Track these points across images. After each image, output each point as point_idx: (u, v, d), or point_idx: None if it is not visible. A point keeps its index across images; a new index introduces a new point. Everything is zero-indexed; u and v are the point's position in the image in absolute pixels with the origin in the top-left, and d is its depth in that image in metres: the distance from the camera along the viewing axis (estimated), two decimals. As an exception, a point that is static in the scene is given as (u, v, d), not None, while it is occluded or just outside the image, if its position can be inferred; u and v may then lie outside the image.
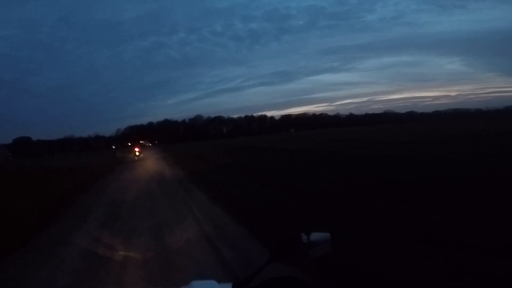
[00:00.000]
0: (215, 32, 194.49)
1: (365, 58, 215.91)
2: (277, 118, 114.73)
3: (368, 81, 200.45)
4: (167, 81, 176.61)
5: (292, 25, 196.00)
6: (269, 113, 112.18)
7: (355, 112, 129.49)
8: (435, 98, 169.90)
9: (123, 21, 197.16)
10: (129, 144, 62.36)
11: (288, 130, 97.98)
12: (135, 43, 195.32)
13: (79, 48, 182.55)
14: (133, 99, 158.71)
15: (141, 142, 58.08)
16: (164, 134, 79.77)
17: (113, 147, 75.35)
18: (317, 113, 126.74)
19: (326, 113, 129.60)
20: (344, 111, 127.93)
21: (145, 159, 22.15)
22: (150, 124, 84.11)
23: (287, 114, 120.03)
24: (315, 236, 0.68)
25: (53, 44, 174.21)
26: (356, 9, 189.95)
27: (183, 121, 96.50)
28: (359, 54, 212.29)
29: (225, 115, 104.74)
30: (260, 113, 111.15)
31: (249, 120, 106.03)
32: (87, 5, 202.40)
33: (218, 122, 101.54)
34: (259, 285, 0.65)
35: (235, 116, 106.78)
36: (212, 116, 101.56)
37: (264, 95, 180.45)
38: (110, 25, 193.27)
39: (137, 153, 19.96)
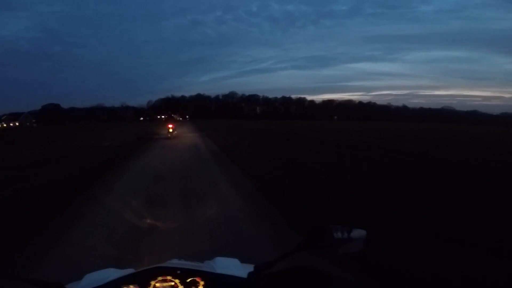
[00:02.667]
0: (250, 12, 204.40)
1: (411, 50, 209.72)
2: (317, 102, 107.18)
3: (411, 73, 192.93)
4: (201, 58, 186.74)
5: (333, 10, 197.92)
6: (301, 97, 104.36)
7: (394, 103, 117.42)
8: (485, 98, 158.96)
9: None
10: (159, 117, 60.84)
11: (330, 117, 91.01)
12: (173, 20, 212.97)
13: (121, 24, 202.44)
14: (168, 74, 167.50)
15: (172, 115, 56.48)
16: (196, 109, 77.87)
17: (141, 118, 75.38)
18: (363, 101, 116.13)
19: (373, 102, 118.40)
20: (381, 102, 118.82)
21: (180, 138, 19.02)
22: (183, 97, 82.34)
23: (329, 99, 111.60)
24: (349, 232, 0.70)
25: (97, 20, 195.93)
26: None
27: (216, 97, 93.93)
28: (405, 45, 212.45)
29: (261, 94, 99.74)
30: (298, 96, 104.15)
31: (286, 102, 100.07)
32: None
33: (252, 100, 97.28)
34: (281, 271, 0.70)
35: (270, 96, 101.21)
36: (247, 94, 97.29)
37: (295, 78, 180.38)
38: (151, 2, 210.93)
39: (171, 130, 17.66)
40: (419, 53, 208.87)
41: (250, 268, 0.73)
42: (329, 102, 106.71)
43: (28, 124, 65.76)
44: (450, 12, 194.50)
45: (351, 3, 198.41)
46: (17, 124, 65.66)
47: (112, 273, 0.76)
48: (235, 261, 0.83)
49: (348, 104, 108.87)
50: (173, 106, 62.26)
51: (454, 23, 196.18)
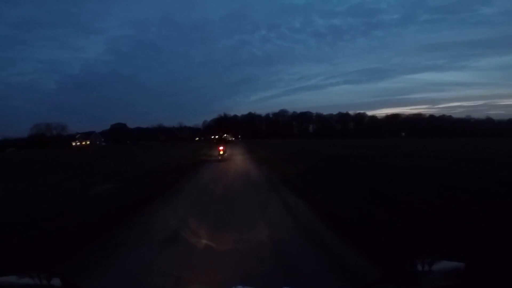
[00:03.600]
0: (293, 28, 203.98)
1: (480, 56, 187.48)
2: (379, 117, 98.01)
3: (484, 82, 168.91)
4: (250, 78, 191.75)
5: (384, 20, 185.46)
6: (360, 112, 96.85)
7: (466, 117, 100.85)
8: None
9: (212, 20, 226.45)
10: (212, 137, 62.67)
11: (396, 133, 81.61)
12: (223, 41, 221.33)
13: (179, 46, 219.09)
14: (220, 94, 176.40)
15: (224, 135, 57.41)
16: (247, 129, 78.48)
17: (196, 138, 79.10)
18: (435, 115, 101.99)
19: (447, 115, 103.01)
20: (452, 115, 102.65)
21: (231, 161, 17.44)
22: (235, 116, 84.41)
23: (393, 113, 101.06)
24: (441, 264, 0.66)
25: (158, 43, 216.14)
26: (467, 2, 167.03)
27: (267, 115, 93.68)
28: (473, 51, 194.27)
29: (313, 111, 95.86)
30: (355, 111, 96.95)
31: (343, 118, 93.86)
32: (183, 4, 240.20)
33: (304, 118, 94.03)
34: None
35: (323, 113, 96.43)
36: (298, 112, 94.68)
37: (348, 94, 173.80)
38: (203, 23, 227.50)
39: (221, 152, 17.10)
40: (492, 59, 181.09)
41: None
42: (394, 116, 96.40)
43: (98, 143, 74.57)
44: None
45: (402, 11, 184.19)
46: (88, 142, 74.85)
47: None
48: None
49: (416, 118, 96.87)
50: (226, 125, 63.54)
51: None
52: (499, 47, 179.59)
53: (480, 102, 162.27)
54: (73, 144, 69.11)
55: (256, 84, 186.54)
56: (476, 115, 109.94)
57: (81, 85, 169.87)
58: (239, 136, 71.62)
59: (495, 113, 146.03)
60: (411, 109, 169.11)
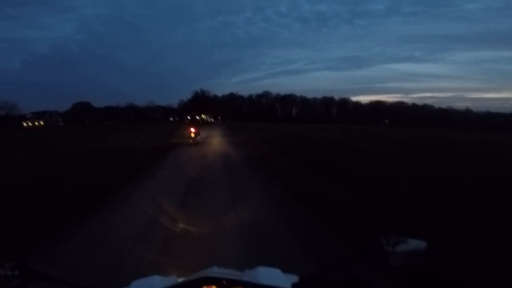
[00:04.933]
0: (279, 12, 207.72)
1: (456, 50, 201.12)
2: (364, 103, 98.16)
3: (457, 75, 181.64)
4: (232, 60, 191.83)
5: (368, 9, 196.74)
6: (345, 97, 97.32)
7: (447, 107, 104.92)
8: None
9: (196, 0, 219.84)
10: (189, 118, 57.94)
11: (379, 121, 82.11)
12: (206, 22, 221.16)
13: (157, 26, 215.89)
14: (201, 75, 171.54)
15: (202, 116, 53.29)
16: (228, 110, 74.79)
17: (171, 119, 73.75)
18: (418, 104, 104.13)
19: (429, 105, 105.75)
20: (422, 105, 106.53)
21: (206, 146, 14.83)
22: (215, 97, 79.47)
23: (377, 100, 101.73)
24: (405, 243, 0.70)
25: (136, 22, 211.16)
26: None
27: (250, 97, 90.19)
28: (450, 45, 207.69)
29: (297, 94, 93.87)
30: (339, 96, 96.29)
31: (327, 103, 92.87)
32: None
33: (288, 101, 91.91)
34: (328, 283, 0.70)
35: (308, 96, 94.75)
36: (282, 94, 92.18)
37: (328, 80, 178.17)
38: (184, 3, 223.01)
39: (192, 135, 14.88)
40: (466, 54, 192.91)
41: (293, 278, 0.75)
42: (377, 104, 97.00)
43: (54, 123, 67.18)
44: (500, 10, 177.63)
45: (387, 2, 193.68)
46: (42, 123, 67.29)
47: (157, 281, 0.79)
48: (277, 271, 0.83)
49: (399, 106, 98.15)
50: (203, 104, 58.47)
51: (505, 21, 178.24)
52: (475, 42, 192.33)
53: (450, 94, 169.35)
54: (24, 124, 61.47)
55: (238, 66, 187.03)
56: (445, 105, 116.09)
57: (49, 65, 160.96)
58: (219, 118, 68.21)
59: (463, 105, 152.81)
60: (386, 97, 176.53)
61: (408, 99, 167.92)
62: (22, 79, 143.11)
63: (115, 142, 16.15)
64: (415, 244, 0.70)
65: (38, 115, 70.10)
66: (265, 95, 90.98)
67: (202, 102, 58.01)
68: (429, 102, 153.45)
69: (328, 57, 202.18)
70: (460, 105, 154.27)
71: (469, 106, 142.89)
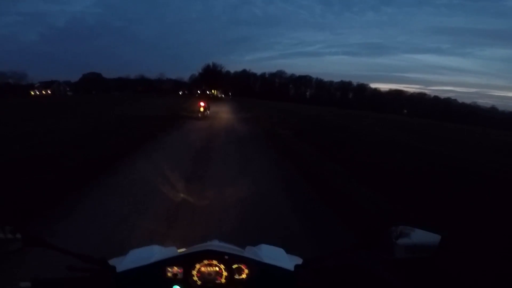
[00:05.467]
0: None
1: (488, 46, 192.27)
2: (383, 91, 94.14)
3: (483, 71, 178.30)
4: (247, 37, 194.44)
5: None
6: (363, 83, 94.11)
7: (471, 103, 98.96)
8: None
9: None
10: (199, 92, 56.48)
11: (397, 110, 78.76)
12: None
13: (174, 0, 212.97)
14: (215, 51, 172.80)
15: (212, 91, 51.41)
16: (240, 87, 72.56)
17: (180, 92, 72.22)
18: (440, 97, 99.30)
19: (453, 98, 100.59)
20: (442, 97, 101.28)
21: (214, 121, 13.82)
22: (227, 73, 76.81)
23: (397, 89, 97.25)
24: (417, 235, 0.67)
25: None
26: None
27: (262, 75, 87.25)
28: (482, 40, 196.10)
29: (314, 76, 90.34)
30: (357, 81, 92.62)
31: (344, 87, 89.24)
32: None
33: (302, 82, 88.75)
34: (329, 267, 0.70)
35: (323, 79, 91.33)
36: (297, 74, 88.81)
37: (345, 65, 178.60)
38: None
39: (201, 109, 14.44)
40: (498, 50, 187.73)
41: (296, 259, 0.75)
42: (397, 92, 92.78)
43: (62, 92, 66.70)
44: None
45: None
46: (49, 92, 66.82)
47: (156, 251, 0.77)
48: (281, 251, 0.82)
49: (420, 97, 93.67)
50: (214, 78, 56.23)
51: None
52: (508, 39, 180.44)
53: (472, 90, 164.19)
54: (32, 93, 61.44)
55: (253, 44, 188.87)
56: (466, 100, 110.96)
57: (65, 37, 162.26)
58: (230, 94, 66.40)
59: (483, 102, 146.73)
60: (404, 87, 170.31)
61: (427, 91, 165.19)
62: (38, 51, 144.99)
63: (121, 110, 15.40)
64: (428, 237, 0.66)
65: (45, 85, 69.79)
66: (279, 74, 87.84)
67: (213, 76, 55.57)
68: (448, 96, 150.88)
69: (348, 42, 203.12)
70: (481, 101, 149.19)
71: (492, 103, 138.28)
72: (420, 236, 0.67)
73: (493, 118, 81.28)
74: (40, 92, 64.99)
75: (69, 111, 15.46)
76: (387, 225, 0.68)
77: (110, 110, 16.22)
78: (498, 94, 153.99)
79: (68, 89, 71.69)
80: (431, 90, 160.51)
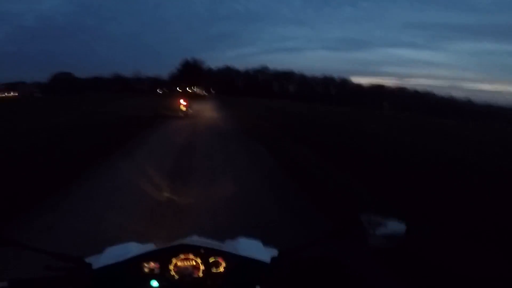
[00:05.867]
0: None
1: (458, 39, 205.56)
2: (364, 86, 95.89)
3: (456, 64, 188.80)
4: (228, 33, 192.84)
5: None
6: (345, 78, 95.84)
7: (447, 96, 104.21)
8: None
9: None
10: (178, 89, 54.17)
11: (378, 104, 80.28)
12: None
13: None
14: (195, 48, 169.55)
15: (193, 88, 49.18)
16: (223, 84, 70.74)
17: (158, 90, 69.13)
18: (419, 91, 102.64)
19: (431, 93, 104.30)
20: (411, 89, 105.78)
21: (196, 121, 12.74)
22: (209, 69, 74.63)
23: (378, 84, 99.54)
24: (386, 224, 0.69)
25: None
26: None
27: (246, 71, 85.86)
28: (452, 34, 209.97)
29: (296, 71, 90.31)
30: (339, 76, 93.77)
31: (327, 82, 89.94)
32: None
33: (286, 77, 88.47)
34: (304, 259, 0.71)
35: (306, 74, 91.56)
36: (280, 70, 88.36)
37: (324, 59, 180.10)
38: None
39: (183, 108, 13.77)
40: (468, 44, 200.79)
41: (273, 252, 0.75)
42: (379, 87, 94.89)
43: (29, 94, 61.69)
44: (510, 3, 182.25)
45: None
46: (16, 94, 61.59)
47: (133, 248, 0.77)
48: (258, 244, 0.83)
49: (400, 91, 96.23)
50: (195, 75, 53.84)
51: None
52: (479, 33, 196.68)
53: (446, 83, 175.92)
54: None
55: (234, 40, 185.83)
56: (439, 93, 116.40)
57: (34, 37, 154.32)
58: (212, 91, 64.65)
59: (457, 95, 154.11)
60: (380, 80, 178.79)
61: (401, 83, 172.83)
62: (4, 51, 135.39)
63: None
64: (395, 226, 0.68)
65: (10, 86, 64.40)
66: (263, 70, 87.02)
67: (193, 72, 53.06)
68: (422, 89, 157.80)
69: (327, 37, 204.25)
70: (454, 94, 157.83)
71: (464, 96, 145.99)
72: (389, 225, 0.67)
73: (467, 111, 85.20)
74: (4, 93, 59.90)
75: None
76: (356, 213, 0.69)
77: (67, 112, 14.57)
78: (470, 86, 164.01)
79: (36, 90, 66.58)
80: (405, 82, 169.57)
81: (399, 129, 14.42)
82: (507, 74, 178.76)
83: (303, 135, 9.19)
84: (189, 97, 17.63)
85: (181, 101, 14.00)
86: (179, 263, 0.68)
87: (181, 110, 13.61)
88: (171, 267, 0.68)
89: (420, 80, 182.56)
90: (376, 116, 25.12)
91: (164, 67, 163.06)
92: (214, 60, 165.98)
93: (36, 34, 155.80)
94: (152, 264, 0.68)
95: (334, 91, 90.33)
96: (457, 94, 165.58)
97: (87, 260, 0.70)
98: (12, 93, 60.40)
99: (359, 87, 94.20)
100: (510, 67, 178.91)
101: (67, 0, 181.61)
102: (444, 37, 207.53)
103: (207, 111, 18.61)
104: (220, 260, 0.70)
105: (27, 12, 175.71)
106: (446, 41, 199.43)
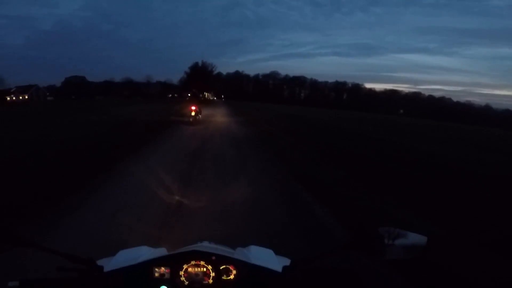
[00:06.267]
0: None
1: (473, 45, 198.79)
2: (378, 90, 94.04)
3: (470, 70, 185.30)
4: (239, 40, 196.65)
5: None
6: (358, 83, 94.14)
7: (465, 102, 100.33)
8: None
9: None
10: (189, 95, 53.86)
11: (393, 110, 78.37)
12: (214, 1, 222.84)
13: (164, 4, 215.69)
14: (206, 54, 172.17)
15: (204, 94, 48.78)
16: (233, 89, 70.54)
17: (169, 95, 69.48)
18: (435, 96, 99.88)
19: (447, 97, 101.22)
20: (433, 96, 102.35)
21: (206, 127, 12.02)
22: (219, 74, 74.28)
23: (393, 89, 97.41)
24: (405, 237, 0.68)
25: (142, 0, 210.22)
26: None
27: (256, 76, 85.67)
28: (467, 39, 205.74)
29: (308, 76, 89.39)
30: (352, 82, 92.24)
31: (339, 88, 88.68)
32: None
33: (297, 83, 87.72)
34: (317, 269, 0.69)
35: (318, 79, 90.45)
36: (291, 75, 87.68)
37: (335, 65, 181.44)
38: None
39: (193, 113, 13.40)
40: (483, 49, 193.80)
41: (284, 261, 0.75)
42: (392, 92, 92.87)
43: (40, 97, 62.39)
44: None
45: None
46: (26, 97, 62.28)
47: (145, 252, 0.78)
48: (270, 252, 0.83)
49: (415, 97, 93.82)
50: (204, 79, 53.09)
51: None
52: (494, 38, 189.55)
53: (460, 88, 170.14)
54: (8, 98, 57.24)
55: (244, 46, 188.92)
56: (453, 99, 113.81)
57: (52, 41, 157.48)
58: (222, 96, 64.36)
59: (472, 100, 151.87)
60: (393, 86, 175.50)
61: (416, 90, 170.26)
62: (22, 55, 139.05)
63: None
64: (415, 238, 0.68)
65: (23, 89, 65.35)
66: (273, 75, 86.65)
67: (203, 76, 52.50)
68: (436, 94, 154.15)
69: (338, 42, 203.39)
70: (470, 99, 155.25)
71: (478, 101, 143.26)
72: (408, 237, 0.67)
73: (489, 116, 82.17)
74: (17, 97, 60.88)
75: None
76: (375, 226, 0.68)
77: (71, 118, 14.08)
78: (485, 92, 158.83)
79: (48, 94, 67.60)
80: (420, 89, 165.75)
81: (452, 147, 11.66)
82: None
83: (341, 159, 7.50)
84: (199, 102, 17.19)
85: (192, 107, 13.67)
86: (189, 269, 0.69)
87: (191, 116, 13.29)
88: (182, 273, 0.68)
89: (434, 86, 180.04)
90: (397, 124, 23.84)
91: (175, 72, 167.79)
92: (225, 66, 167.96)
93: (53, 38, 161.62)
94: (163, 269, 0.68)
95: (346, 96, 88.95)
96: (472, 99, 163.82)
97: (99, 262, 0.71)
98: (21, 97, 61.31)
99: (371, 92, 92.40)
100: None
101: (85, 5, 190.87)
102: (459, 42, 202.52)
103: (218, 116, 18.03)
104: (230, 267, 0.69)
105: (46, 17, 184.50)
106: (459, 46, 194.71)
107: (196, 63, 55.96)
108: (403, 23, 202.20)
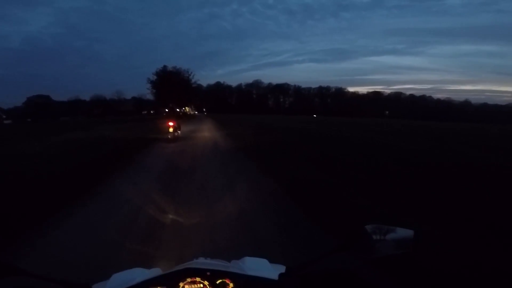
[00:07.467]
0: (266, 4, 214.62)
1: (437, 43, 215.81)
2: (361, 93, 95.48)
3: (436, 68, 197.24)
4: (217, 52, 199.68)
5: (354, 2, 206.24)
6: (341, 87, 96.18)
7: (446, 99, 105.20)
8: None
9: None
10: (166, 110, 50.09)
11: (378, 113, 79.21)
12: (191, 14, 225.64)
13: (140, 18, 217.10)
14: (185, 67, 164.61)
15: (183, 108, 45.40)
16: (214, 101, 68.31)
17: (144, 112, 64.98)
18: (415, 95, 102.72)
19: (428, 95, 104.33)
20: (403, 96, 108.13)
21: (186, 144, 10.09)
22: (199, 86, 70.28)
23: (376, 90, 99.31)
24: (393, 232, 0.70)
25: (116, 15, 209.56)
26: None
27: (238, 86, 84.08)
28: (431, 39, 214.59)
29: (291, 83, 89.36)
30: (336, 86, 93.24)
31: (323, 93, 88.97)
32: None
33: (280, 91, 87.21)
34: (314, 273, 0.70)
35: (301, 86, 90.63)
36: (274, 83, 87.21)
37: (312, 71, 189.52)
38: None
39: (171, 129, 12.95)
40: (446, 47, 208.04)
41: (280, 268, 0.75)
42: (376, 94, 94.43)
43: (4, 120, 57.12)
44: (480, 5, 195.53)
45: None
46: None
47: (139, 274, 0.78)
48: (264, 261, 0.84)
49: (397, 98, 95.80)
50: (186, 95, 48.55)
51: (484, 16, 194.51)
52: (455, 36, 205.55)
53: (429, 86, 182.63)
54: None
55: (224, 58, 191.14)
56: (423, 97, 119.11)
57: (19, 59, 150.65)
58: (204, 110, 62.12)
59: (440, 96, 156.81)
60: (368, 88, 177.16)
61: (389, 90, 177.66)
62: None
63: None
64: (402, 233, 0.69)
65: None
66: (256, 84, 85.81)
67: (182, 88, 47.64)
68: (408, 93, 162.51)
69: (313, 49, 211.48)
70: (438, 96, 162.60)
71: (447, 97, 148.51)
72: (396, 231, 0.68)
73: (465, 112, 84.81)
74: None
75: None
76: (361, 224, 0.69)
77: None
78: (451, 88, 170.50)
79: (4, 116, 61.70)
80: (393, 89, 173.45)
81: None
82: (485, 73, 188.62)
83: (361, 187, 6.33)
84: (177, 117, 15.68)
85: (169, 123, 13.04)
86: (186, 287, 0.69)
87: (169, 132, 12.71)
88: None
89: (406, 85, 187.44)
90: (393, 128, 22.73)
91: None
92: (205, 78, 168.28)
93: (20, 56, 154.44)
94: None
95: (330, 101, 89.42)
96: (440, 95, 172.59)
97: (94, 287, 0.71)
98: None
99: (355, 95, 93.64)
100: (487, 66, 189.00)
101: (56, 22, 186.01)
102: (424, 42, 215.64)
103: (198, 132, 16.41)
104: (227, 281, 0.70)
105: (14, 34, 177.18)
106: (426, 45, 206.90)
107: (165, 67, 48.29)
108: (372, 26, 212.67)
